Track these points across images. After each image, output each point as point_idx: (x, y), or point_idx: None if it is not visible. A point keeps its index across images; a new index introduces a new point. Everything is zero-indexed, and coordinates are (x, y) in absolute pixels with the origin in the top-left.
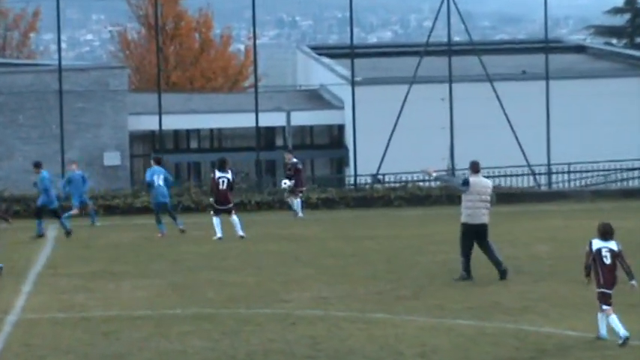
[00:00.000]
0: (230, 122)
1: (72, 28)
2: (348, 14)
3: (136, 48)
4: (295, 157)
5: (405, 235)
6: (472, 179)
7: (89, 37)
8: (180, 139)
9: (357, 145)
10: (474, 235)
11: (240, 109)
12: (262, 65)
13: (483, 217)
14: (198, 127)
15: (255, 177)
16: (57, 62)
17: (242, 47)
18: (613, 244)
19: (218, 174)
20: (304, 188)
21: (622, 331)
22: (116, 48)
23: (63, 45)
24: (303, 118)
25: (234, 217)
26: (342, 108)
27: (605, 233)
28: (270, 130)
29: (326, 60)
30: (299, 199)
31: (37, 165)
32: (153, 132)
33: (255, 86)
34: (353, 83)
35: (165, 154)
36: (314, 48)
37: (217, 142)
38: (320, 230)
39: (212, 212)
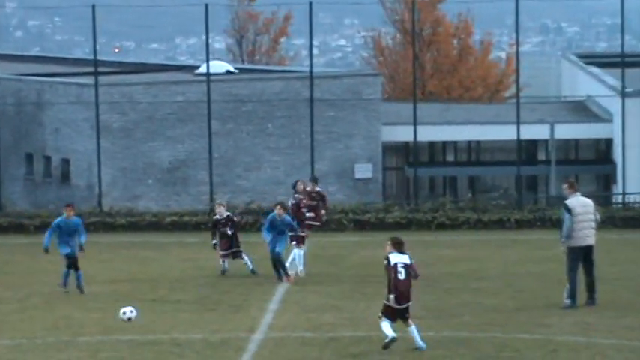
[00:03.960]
0: (489, 134)
1: (324, 33)
2: (618, 20)
3: (390, 54)
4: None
5: None
6: (570, 201)
7: (341, 42)
8: (436, 151)
9: (625, 160)
10: (582, 257)
11: (501, 120)
12: (524, 74)
13: (588, 238)
14: (455, 139)
15: (514, 193)
16: (307, 69)
17: (503, 55)
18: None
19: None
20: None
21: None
22: (369, 54)
23: (314, 51)
24: (567, 131)
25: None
26: (610, 121)
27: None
28: (532, 144)
29: (594, 69)
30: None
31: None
32: (407, 143)
33: (517, 96)
34: (623, 94)
35: (420, 167)
36: (581, 56)
37: (475, 155)
38: None
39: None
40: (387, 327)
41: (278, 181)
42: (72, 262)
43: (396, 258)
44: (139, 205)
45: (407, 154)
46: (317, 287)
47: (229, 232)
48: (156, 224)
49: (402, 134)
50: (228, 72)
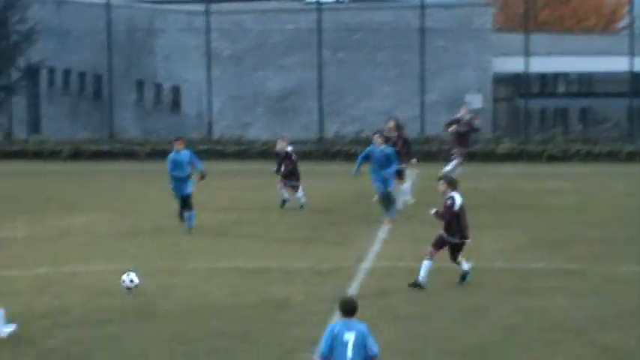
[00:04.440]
0: (601, 66)
1: None
2: None
3: None
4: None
5: None
6: None
7: None
8: (547, 82)
9: None
10: None
11: (613, 51)
12: (639, 5)
13: None
14: (567, 70)
15: (626, 125)
16: None
17: None
18: None
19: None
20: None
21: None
22: None
23: None
24: None
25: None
26: None
27: None
28: None
29: None
30: None
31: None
32: (518, 74)
33: (631, 27)
34: None
35: (531, 98)
36: None
37: (586, 87)
38: None
39: None
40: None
41: (387, 111)
42: (185, 203)
43: (459, 199)
44: (248, 134)
45: (518, 85)
46: (426, 218)
47: (288, 167)
48: (265, 152)
49: (513, 65)
50: (338, 1)
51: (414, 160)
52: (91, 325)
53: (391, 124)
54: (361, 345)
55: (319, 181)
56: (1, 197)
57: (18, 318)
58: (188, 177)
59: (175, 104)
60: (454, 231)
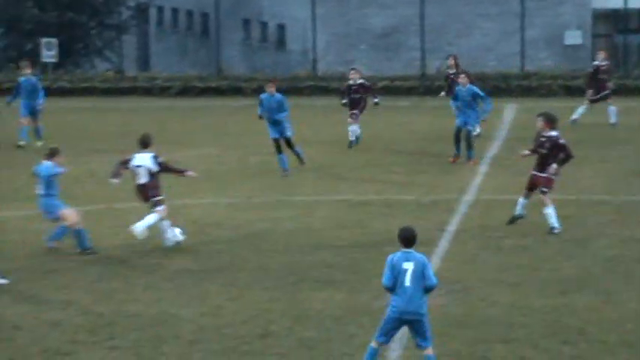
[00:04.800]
0: None
1: None
2: None
3: None
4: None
5: None
6: None
7: None
8: None
9: None
10: None
11: None
12: None
13: None
14: None
15: None
16: None
17: None
18: None
19: None
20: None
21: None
22: None
23: None
24: None
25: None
26: None
27: None
28: None
29: None
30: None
31: None
32: (617, 10)
33: None
34: None
35: (630, 34)
36: None
37: None
38: None
39: None
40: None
41: (488, 48)
42: (278, 146)
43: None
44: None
45: (617, 21)
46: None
47: (357, 97)
48: None
49: (612, 1)
50: None
51: None
52: (201, 256)
53: (451, 61)
54: (420, 275)
55: (422, 117)
56: (111, 132)
57: (129, 249)
58: (281, 120)
59: (280, 42)
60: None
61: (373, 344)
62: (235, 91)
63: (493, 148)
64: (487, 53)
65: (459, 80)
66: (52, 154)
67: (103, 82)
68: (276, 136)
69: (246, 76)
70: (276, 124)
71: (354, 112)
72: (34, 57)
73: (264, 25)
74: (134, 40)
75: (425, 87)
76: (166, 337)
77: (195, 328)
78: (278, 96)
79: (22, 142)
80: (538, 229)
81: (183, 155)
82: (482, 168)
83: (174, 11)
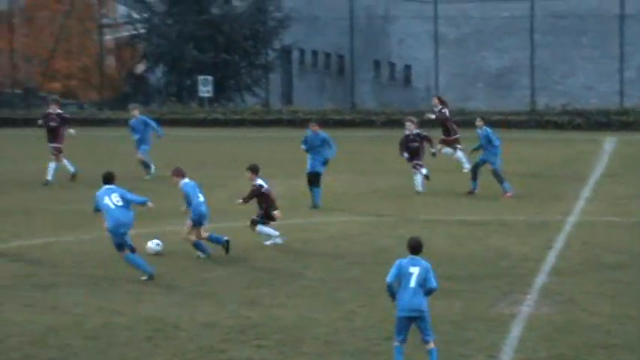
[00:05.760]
0: None
1: None
2: None
3: None
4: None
5: None
6: None
7: None
8: None
9: None
10: None
11: None
12: None
13: None
14: None
15: None
16: None
17: None
18: None
19: None
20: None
21: None
22: None
23: None
24: None
25: None
26: None
27: None
28: None
29: None
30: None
31: None
32: None
33: None
34: None
35: None
36: None
37: None
38: None
39: None
40: None
41: (590, 86)
42: (310, 179)
43: None
44: (469, 105)
45: None
46: (625, 179)
47: (416, 145)
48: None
49: None
50: None
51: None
52: (337, 267)
53: (435, 100)
54: (423, 278)
55: (531, 147)
56: (261, 159)
57: (275, 260)
58: (322, 157)
59: (407, 80)
60: None
61: (396, 343)
62: (367, 123)
63: (595, 176)
64: (589, 91)
65: (477, 123)
66: None
67: (252, 115)
68: (316, 170)
69: (377, 111)
70: (317, 159)
71: (417, 162)
72: (192, 92)
73: (392, 66)
74: (279, 78)
75: (534, 121)
76: (306, 338)
77: (331, 331)
78: (322, 134)
79: (147, 176)
80: (635, 247)
81: (323, 179)
82: (585, 193)
83: (314, 53)
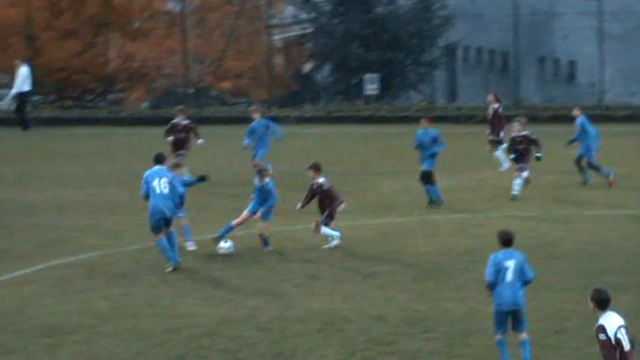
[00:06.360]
0: None
1: None
2: None
3: None
4: None
5: None
6: None
7: None
8: None
9: None
10: None
11: None
12: None
13: None
14: None
15: None
16: None
17: None
18: None
19: None
20: None
21: None
22: None
23: None
24: None
25: None
26: None
27: None
28: None
29: None
30: None
31: None
32: None
33: None
34: None
35: None
36: None
37: None
38: None
39: None
40: None
41: None
42: (422, 177)
43: None
44: (633, 101)
45: None
46: None
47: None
48: None
49: None
50: None
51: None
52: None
53: (490, 97)
54: (520, 270)
55: None
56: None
57: (441, 254)
58: (433, 154)
59: (571, 76)
60: None
61: (498, 337)
62: (532, 119)
63: None
64: None
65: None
66: None
67: (417, 112)
68: (428, 168)
69: (542, 106)
70: (429, 157)
71: (521, 165)
72: (358, 90)
73: (556, 62)
74: (444, 75)
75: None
76: (473, 331)
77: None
78: (432, 131)
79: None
80: None
81: (486, 175)
82: None
83: (479, 50)
